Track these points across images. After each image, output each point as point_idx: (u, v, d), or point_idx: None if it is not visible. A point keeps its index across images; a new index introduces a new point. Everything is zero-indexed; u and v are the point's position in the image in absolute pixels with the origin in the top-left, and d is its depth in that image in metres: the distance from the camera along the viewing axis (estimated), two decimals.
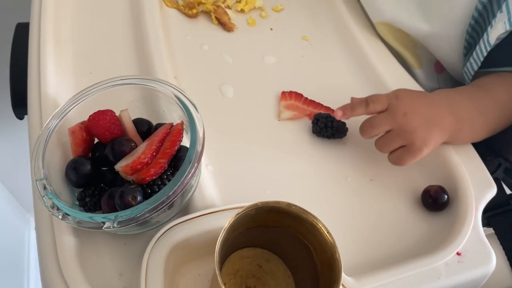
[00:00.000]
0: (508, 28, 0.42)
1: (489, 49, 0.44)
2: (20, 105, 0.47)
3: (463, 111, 0.43)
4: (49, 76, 0.45)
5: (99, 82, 0.38)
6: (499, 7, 0.44)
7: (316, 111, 0.48)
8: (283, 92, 0.49)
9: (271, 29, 0.56)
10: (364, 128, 0.43)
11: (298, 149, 0.45)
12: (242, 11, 0.57)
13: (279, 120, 0.48)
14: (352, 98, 0.44)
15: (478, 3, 0.45)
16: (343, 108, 0.43)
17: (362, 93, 0.45)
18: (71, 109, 0.37)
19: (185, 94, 0.37)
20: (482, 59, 0.46)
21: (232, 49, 0.53)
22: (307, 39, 0.56)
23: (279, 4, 0.59)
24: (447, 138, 0.42)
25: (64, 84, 0.46)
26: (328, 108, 0.48)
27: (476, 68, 0.47)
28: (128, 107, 0.39)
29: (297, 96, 0.49)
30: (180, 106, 0.37)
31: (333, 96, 0.49)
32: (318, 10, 0.59)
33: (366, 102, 0.42)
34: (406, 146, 0.41)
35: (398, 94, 0.42)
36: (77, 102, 0.37)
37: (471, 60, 0.47)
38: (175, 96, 0.37)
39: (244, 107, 0.48)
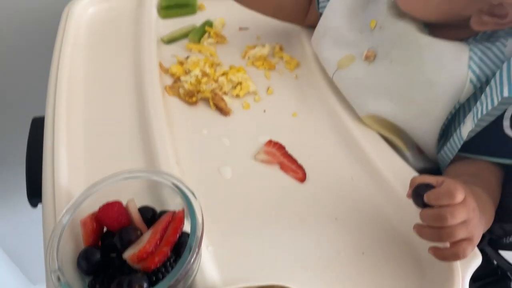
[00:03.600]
0: (473, 126, 0.48)
1: (462, 142, 0.50)
2: (34, 195, 0.51)
3: (486, 203, 0.47)
4: (62, 167, 0.49)
5: (108, 176, 0.42)
6: (469, 108, 0.50)
7: (289, 165, 0.54)
8: (270, 140, 0.56)
9: (264, 111, 0.61)
10: (444, 217, 0.40)
11: (294, 227, 0.48)
12: (237, 96, 0.62)
13: (254, 159, 0.54)
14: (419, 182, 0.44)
15: (457, 103, 0.51)
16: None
17: (346, 167, 0.49)
18: (82, 203, 0.40)
19: (184, 184, 0.41)
20: (457, 150, 0.51)
21: (229, 132, 0.58)
22: (296, 115, 0.61)
23: (271, 87, 0.64)
24: None
25: (76, 174, 0.50)
26: (300, 167, 0.54)
27: (451, 157, 0.52)
28: (134, 196, 0.42)
29: (280, 147, 0.55)
30: (180, 195, 0.41)
31: (315, 164, 0.54)
32: (307, 92, 0.64)
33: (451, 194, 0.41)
34: (468, 239, 0.42)
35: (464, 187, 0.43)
36: (88, 196, 0.41)
37: (446, 149, 0.53)
38: (175, 186, 0.41)
39: (242, 187, 0.52)
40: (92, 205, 0.41)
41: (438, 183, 0.42)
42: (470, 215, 0.41)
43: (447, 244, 0.42)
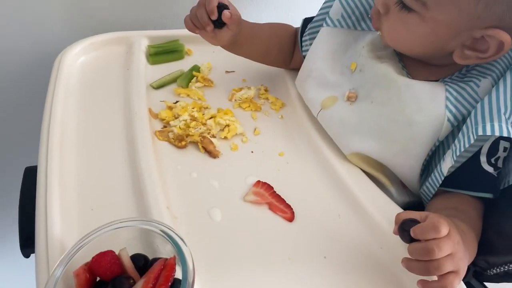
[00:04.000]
0: (453, 163, 0.50)
1: (443, 177, 0.52)
2: (27, 245, 0.52)
3: (469, 236, 0.49)
4: (55, 217, 0.50)
5: (100, 226, 0.43)
6: (448, 146, 0.53)
7: (277, 204, 0.55)
8: (258, 181, 0.58)
9: (252, 151, 0.63)
10: (431, 250, 0.42)
11: (284, 266, 0.49)
12: (225, 138, 0.64)
13: (243, 200, 0.55)
14: (403, 219, 0.45)
15: (437, 141, 0.54)
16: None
17: (333, 204, 0.51)
18: (75, 254, 0.41)
19: (174, 231, 0.42)
20: (438, 185, 0.53)
21: (218, 174, 0.59)
22: (283, 154, 0.63)
23: (258, 128, 0.67)
24: None
25: (69, 223, 0.51)
26: (288, 207, 0.55)
27: (433, 191, 0.55)
28: (126, 245, 0.43)
29: (268, 187, 0.57)
30: (170, 243, 0.42)
31: (303, 202, 0.56)
32: (293, 132, 0.66)
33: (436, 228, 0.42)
34: (455, 271, 0.43)
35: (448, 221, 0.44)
36: (81, 247, 0.42)
37: (427, 184, 0.55)
38: (165, 234, 0.42)
39: (232, 229, 0.53)
40: (85, 256, 0.42)
41: (422, 218, 0.44)
42: (455, 248, 0.43)
43: (435, 277, 0.43)
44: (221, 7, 0.59)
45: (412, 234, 0.43)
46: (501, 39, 0.48)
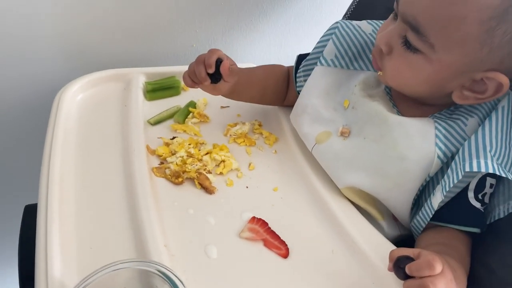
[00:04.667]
0: (443, 198, 0.52)
1: (433, 212, 0.54)
2: (27, 286, 0.52)
3: (459, 272, 0.50)
4: (55, 258, 0.51)
5: (99, 268, 0.44)
6: (438, 181, 0.55)
7: (272, 241, 0.56)
8: (253, 217, 0.59)
9: (247, 187, 0.65)
10: (426, 286, 0.43)
11: None
12: (221, 173, 0.66)
13: (239, 237, 0.57)
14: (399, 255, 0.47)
15: (427, 176, 0.56)
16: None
17: (326, 240, 0.52)
18: None
19: (172, 271, 0.44)
20: (428, 219, 0.55)
21: (214, 210, 0.61)
22: (277, 189, 0.65)
23: (252, 163, 0.69)
24: None
25: (68, 262, 0.52)
26: (283, 243, 0.56)
27: (424, 225, 0.56)
28: (125, 285, 0.45)
29: (263, 223, 0.58)
30: (168, 283, 0.43)
31: (297, 238, 0.57)
32: (286, 166, 0.68)
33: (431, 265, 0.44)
34: None
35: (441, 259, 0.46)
36: None
37: (418, 218, 0.57)
38: (163, 274, 0.44)
39: (227, 266, 0.54)
40: None
41: (415, 255, 0.46)
42: (449, 285, 0.45)
43: None
44: (219, 61, 0.62)
45: (407, 271, 0.45)
46: (500, 81, 0.50)
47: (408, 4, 0.52)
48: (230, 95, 0.71)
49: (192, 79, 0.65)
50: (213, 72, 0.62)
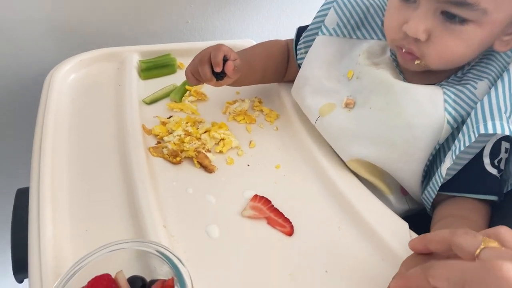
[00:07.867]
0: (452, 163, 0.50)
1: (442, 180, 0.51)
2: (20, 271, 0.50)
3: None
4: (48, 240, 0.49)
5: (94, 250, 0.42)
6: (449, 148, 0.52)
7: (276, 219, 0.54)
8: (256, 195, 0.56)
9: (248, 165, 0.63)
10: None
11: (285, 283, 0.48)
12: (221, 152, 0.63)
13: (241, 215, 0.54)
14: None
15: (437, 144, 0.53)
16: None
17: (332, 216, 0.50)
18: (70, 279, 0.40)
19: (171, 251, 0.41)
20: (437, 188, 0.53)
21: (215, 189, 0.58)
22: (280, 167, 0.62)
23: (253, 141, 0.66)
24: None
25: (63, 245, 0.50)
26: (287, 220, 0.54)
27: (434, 196, 0.54)
28: (122, 267, 0.42)
29: (266, 201, 0.56)
30: (168, 263, 0.41)
31: (302, 215, 0.55)
32: (288, 143, 0.66)
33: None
34: None
35: None
36: (76, 272, 0.40)
37: (429, 189, 0.54)
38: (162, 254, 0.41)
39: (229, 246, 0.52)
40: (80, 280, 0.41)
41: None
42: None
43: None
44: (225, 59, 0.60)
45: None
46: None
47: None
48: (231, 84, 0.69)
49: (196, 77, 0.63)
50: (219, 71, 0.60)
